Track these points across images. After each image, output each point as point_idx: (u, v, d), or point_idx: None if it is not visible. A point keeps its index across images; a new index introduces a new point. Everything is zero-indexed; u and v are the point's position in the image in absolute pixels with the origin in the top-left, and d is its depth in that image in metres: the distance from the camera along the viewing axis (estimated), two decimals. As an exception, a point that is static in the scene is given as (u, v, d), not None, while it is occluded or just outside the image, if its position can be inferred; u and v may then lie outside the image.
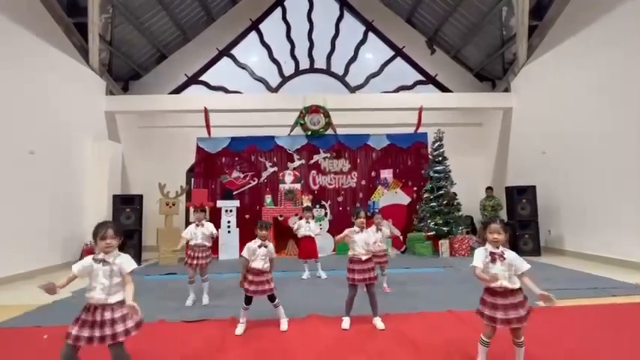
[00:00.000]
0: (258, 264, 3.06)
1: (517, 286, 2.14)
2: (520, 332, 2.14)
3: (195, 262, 3.93)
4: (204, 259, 3.99)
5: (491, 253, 2.19)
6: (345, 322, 3.12)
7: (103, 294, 1.98)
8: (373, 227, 4.41)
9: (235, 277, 5.45)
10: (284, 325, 3.08)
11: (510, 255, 2.18)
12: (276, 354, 2.61)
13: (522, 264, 2.16)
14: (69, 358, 1.95)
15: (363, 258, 3.15)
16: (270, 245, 3.16)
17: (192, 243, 4.01)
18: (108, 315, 1.96)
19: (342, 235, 3.28)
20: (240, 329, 3.01)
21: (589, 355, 2.47)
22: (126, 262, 2.06)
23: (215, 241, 4.64)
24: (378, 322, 3.10)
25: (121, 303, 2.02)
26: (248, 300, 3.07)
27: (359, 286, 3.19)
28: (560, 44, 7.13)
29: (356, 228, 3.23)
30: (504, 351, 2.29)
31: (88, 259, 2.04)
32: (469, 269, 2.27)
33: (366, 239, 3.20)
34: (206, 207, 4.38)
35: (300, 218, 5.81)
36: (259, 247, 3.09)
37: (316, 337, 2.88)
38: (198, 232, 4.02)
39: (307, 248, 5.33)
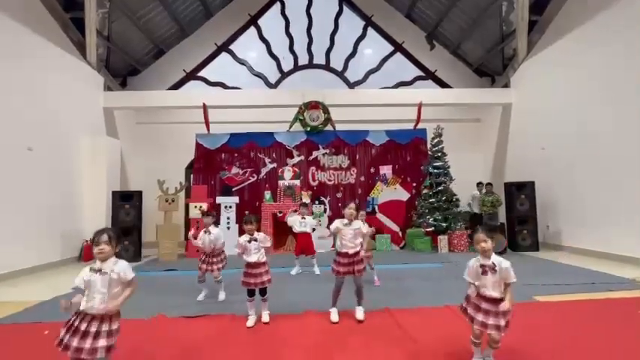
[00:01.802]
0: (252, 258, 3.11)
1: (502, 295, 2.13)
2: (497, 338, 2.10)
3: (205, 267, 3.86)
4: (217, 264, 3.86)
5: (482, 266, 2.16)
6: (334, 315, 3.13)
7: (102, 304, 1.93)
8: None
9: (235, 272, 5.43)
10: (265, 317, 3.13)
11: (502, 266, 2.14)
12: (274, 349, 2.63)
13: (510, 276, 2.12)
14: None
15: (350, 252, 3.14)
16: (260, 235, 3.17)
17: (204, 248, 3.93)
18: (93, 327, 1.89)
19: (333, 227, 3.24)
20: (250, 321, 3.07)
21: (585, 349, 2.49)
22: (124, 269, 2.00)
23: None
24: (359, 312, 3.11)
25: (116, 315, 1.99)
26: (250, 292, 3.12)
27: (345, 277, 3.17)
28: (560, 40, 7.10)
29: (345, 220, 3.20)
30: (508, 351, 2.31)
31: (85, 270, 2.00)
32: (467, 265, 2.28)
33: (352, 232, 3.16)
34: (214, 212, 4.30)
35: (295, 211, 5.78)
36: (249, 241, 3.12)
37: (313, 332, 2.90)
38: (206, 239, 3.86)
39: (303, 244, 5.30)
